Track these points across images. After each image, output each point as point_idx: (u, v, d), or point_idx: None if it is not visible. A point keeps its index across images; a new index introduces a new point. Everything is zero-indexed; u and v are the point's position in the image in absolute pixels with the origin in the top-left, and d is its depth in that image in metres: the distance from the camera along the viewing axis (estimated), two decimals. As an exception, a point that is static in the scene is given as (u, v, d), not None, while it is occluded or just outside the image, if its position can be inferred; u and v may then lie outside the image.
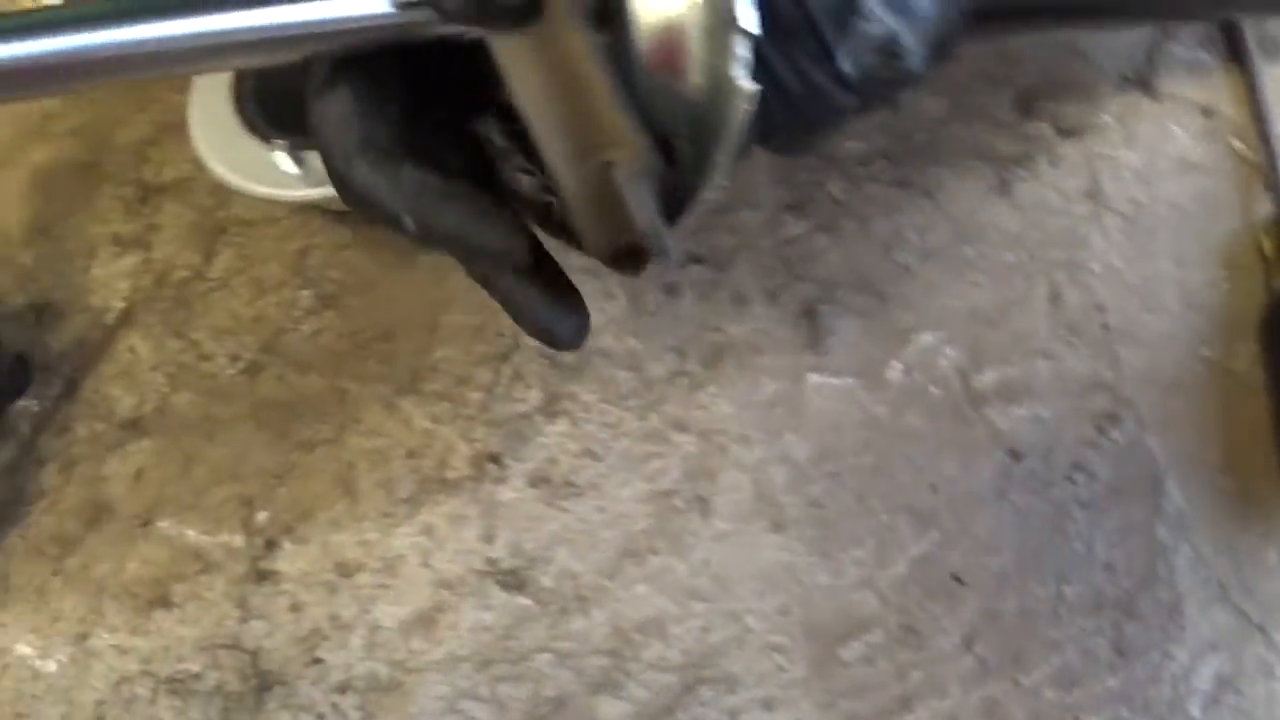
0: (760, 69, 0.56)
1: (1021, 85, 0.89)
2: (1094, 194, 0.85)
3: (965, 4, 0.64)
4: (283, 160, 0.84)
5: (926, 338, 0.82)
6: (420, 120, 0.56)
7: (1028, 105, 0.88)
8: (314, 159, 0.84)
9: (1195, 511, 0.78)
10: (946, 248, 0.84)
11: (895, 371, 0.82)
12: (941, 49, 0.63)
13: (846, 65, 0.58)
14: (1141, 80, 0.88)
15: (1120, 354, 0.81)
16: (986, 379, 0.81)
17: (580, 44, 0.52)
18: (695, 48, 0.50)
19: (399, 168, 0.54)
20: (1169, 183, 0.85)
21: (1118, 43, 0.89)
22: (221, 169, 0.85)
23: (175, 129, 0.92)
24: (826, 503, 0.79)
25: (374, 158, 0.54)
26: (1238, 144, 0.85)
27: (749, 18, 0.49)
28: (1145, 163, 0.86)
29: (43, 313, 0.91)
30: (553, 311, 0.58)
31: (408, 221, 0.54)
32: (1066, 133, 0.87)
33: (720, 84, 0.50)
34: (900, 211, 0.85)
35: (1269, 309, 0.81)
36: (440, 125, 0.57)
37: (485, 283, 0.58)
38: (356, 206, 0.56)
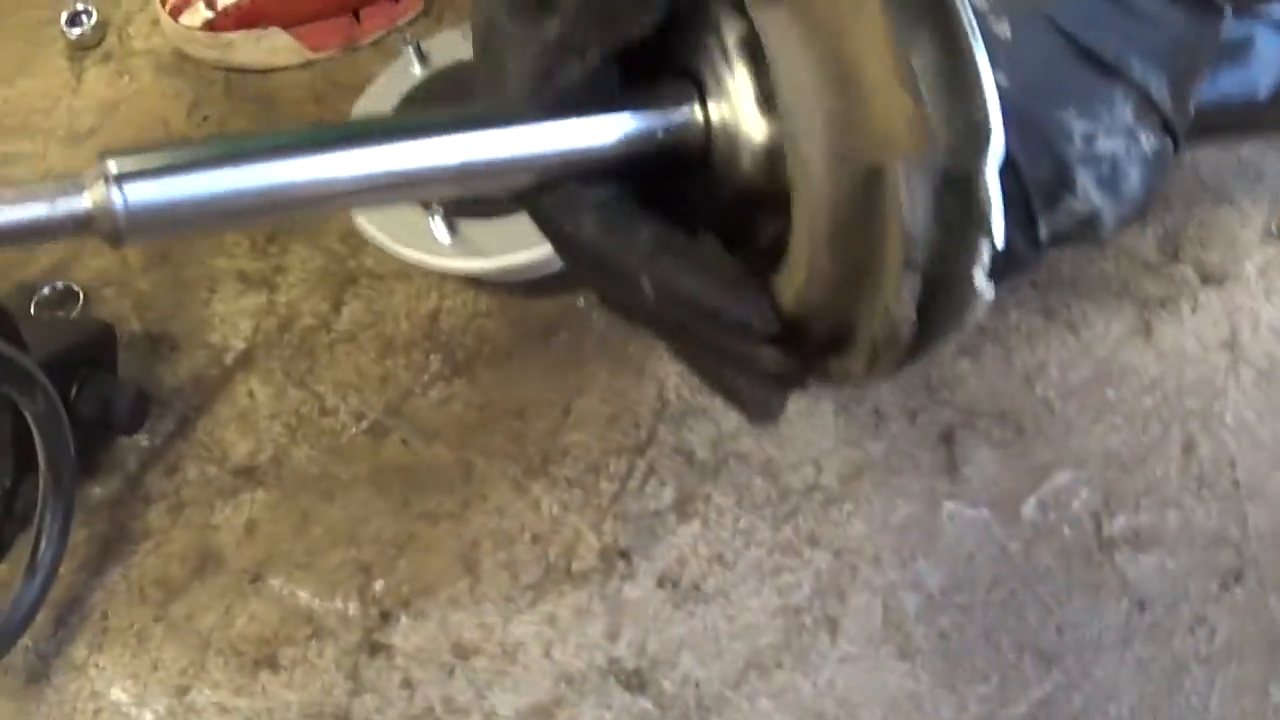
0: None
1: (1169, 226, 0.89)
2: (1232, 345, 0.85)
3: (1165, 182, 0.63)
4: (438, 227, 0.82)
5: (1063, 477, 0.83)
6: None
7: (1174, 248, 0.88)
8: (469, 229, 0.83)
9: (1312, 679, 0.79)
10: (1088, 385, 0.84)
11: (1030, 508, 0.82)
12: (1134, 220, 0.63)
13: (1044, 233, 0.57)
14: (1286, 234, 0.89)
15: (1248, 511, 0.82)
16: (1118, 524, 0.82)
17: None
18: None
19: (635, 224, 0.52)
20: (1308, 341, 0.86)
21: (1265, 192, 0.90)
22: (370, 227, 0.84)
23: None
24: (954, 635, 0.79)
25: (605, 214, 0.52)
26: (1378, 310, 0.87)
27: (999, 228, 0.47)
28: (1284, 319, 0.86)
29: (159, 344, 0.90)
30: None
31: (645, 283, 0.51)
32: (1209, 279, 0.87)
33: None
34: (1043, 344, 0.85)
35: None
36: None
37: (695, 359, 0.56)
38: (579, 266, 0.54)
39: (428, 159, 0.50)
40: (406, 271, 0.89)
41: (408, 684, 0.80)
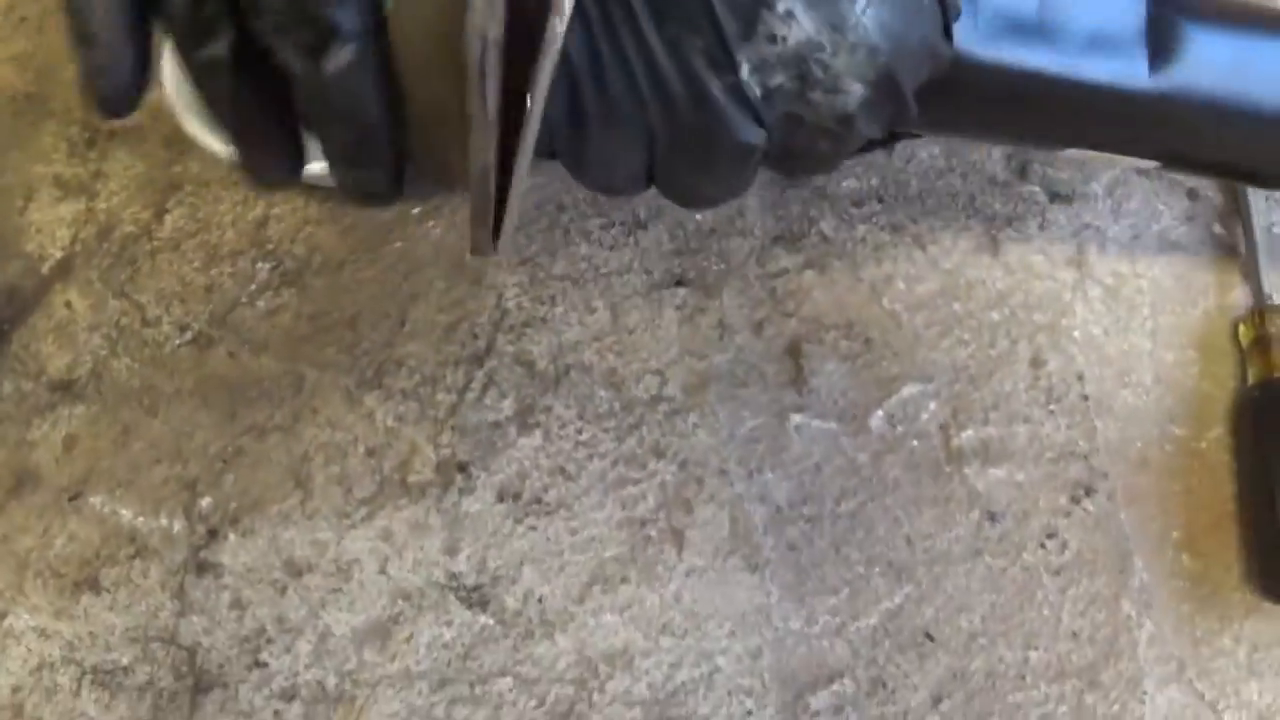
0: (639, 57, 0.51)
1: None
2: (1079, 263, 0.85)
3: (932, 50, 0.58)
4: (269, 128, 0.79)
5: (911, 389, 0.81)
6: None
7: (1022, 166, 0.87)
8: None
9: (1159, 589, 0.78)
10: (935, 299, 0.83)
11: (878, 420, 0.81)
12: (890, 95, 0.57)
13: (747, 75, 0.51)
14: (1132, 153, 0.89)
15: (1097, 425, 0.81)
16: (967, 437, 0.81)
17: None
18: None
19: None
20: (1151, 259, 0.85)
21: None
22: (194, 124, 0.80)
23: (133, 73, 0.86)
24: (803, 547, 0.78)
25: None
26: (1219, 230, 0.86)
27: None
28: (1130, 237, 0.86)
29: (-31, 255, 0.85)
30: None
31: None
32: (1058, 197, 0.86)
33: None
34: (890, 258, 0.84)
35: (1240, 397, 0.82)
36: None
37: None
38: None
39: None
40: (234, 178, 0.85)
41: (238, 604, 0.76)
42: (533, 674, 0.75)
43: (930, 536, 0.79)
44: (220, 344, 0.81)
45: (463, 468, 0.79)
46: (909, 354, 0.82)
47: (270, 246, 0.84)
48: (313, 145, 0.76)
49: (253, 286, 0.83)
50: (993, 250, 0.85)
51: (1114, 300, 0.84)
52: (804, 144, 0.56)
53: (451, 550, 0.77)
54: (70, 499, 0.78)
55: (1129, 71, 0.66)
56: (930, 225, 0.85)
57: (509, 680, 0.75)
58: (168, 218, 0.85)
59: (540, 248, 0.83)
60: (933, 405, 0.81)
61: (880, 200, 0.86)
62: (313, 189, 0.84)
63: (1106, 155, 0.72)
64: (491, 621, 0.76)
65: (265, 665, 0.75)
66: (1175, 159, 0.74)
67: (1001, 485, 0.80)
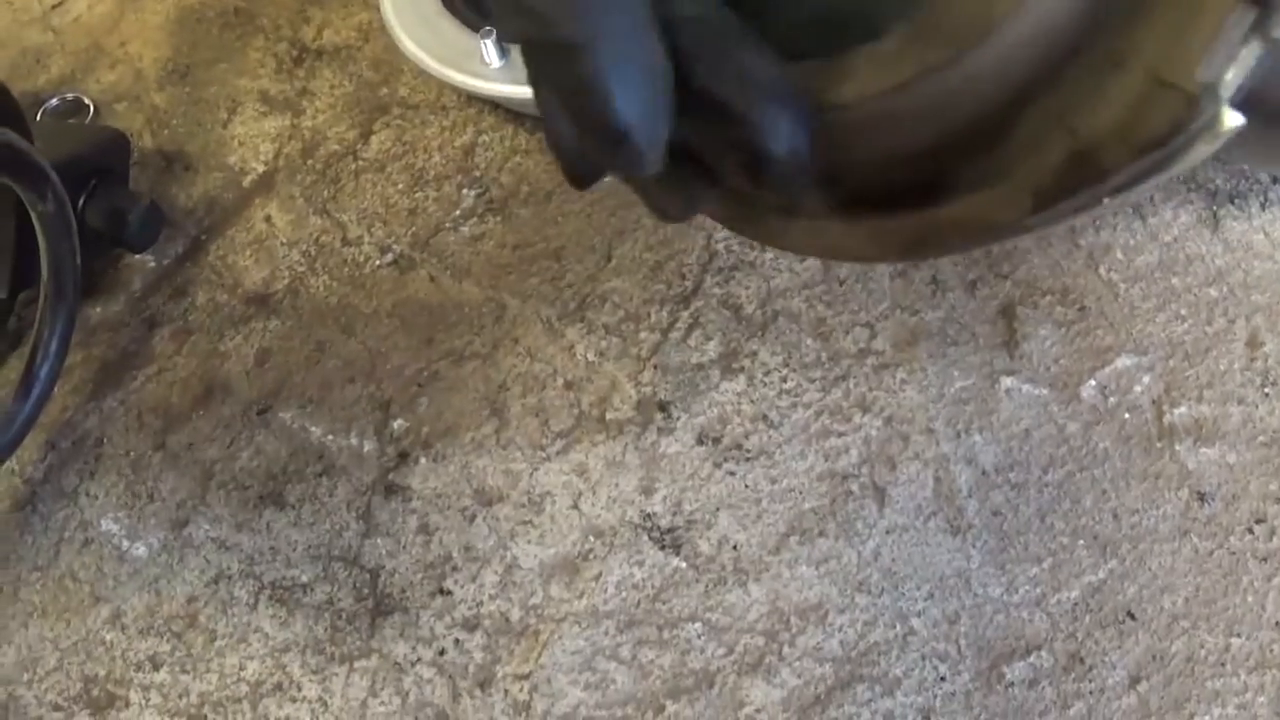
0: None
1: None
2: (1302, 243, 0.82)
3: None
4: (489, 50, 0.77)
5: (1125, 361, 0.79)
6: None
7: (1248, 140, 0.84)
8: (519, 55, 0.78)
9: (1373, 587, 0.75)
10: (1153, 272, 0.81)
11: (1090, 390, 0.78)
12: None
13: None
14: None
15: (1313, 412, 0.78)
16: (1179, 413, 0.78)
17: None
18: None
19: None
20: (1379, 245, 0.83)
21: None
22: (414, 47, 0.79)
23: (343, -10, 0.85)
24: (1007, 513, 0.75)
25: None
26: None
27: None
28: (1358, 220, 0.83)
29: (173, 163, 0.84)
30: None
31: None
32: (1281, 177, 0.84)
33: None
34: (1109, 227, 0.82)
35: None
36: None
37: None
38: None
39: None
40: (442, 103, 0.84)
41: (424, 529, 0.75)
42: (723, 621, 0.73)
43: (1137, 512, 0.76)
44: (422, 267, 0.80)
45: (663, 407, 0.77)
46: (1124, 325, 0.79)
47: (477, 174, 0.82)
48: (503, 69, 0.74)
49: (457, 212, 0.81)
50: (1213, 226, 0.82)
51: (1337, 285, 0.81)
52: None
53: (647, 490, 0.75)
54: (259, 412, 0.77)
55: None
56: (1151, 196, 0.82)
57: (698, 626, 0.73)
58: (374, 139, 0.84)
59: (754, 189, 0.81)
60: (1146, 379, 0.78)
61: (1100, 167, 0.83)
62: (521, 118, 0.82)
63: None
64: (684, 565, 0.74)
65: (449, 593, 0.73)
66: None
67: (1213, 465, 0.77)
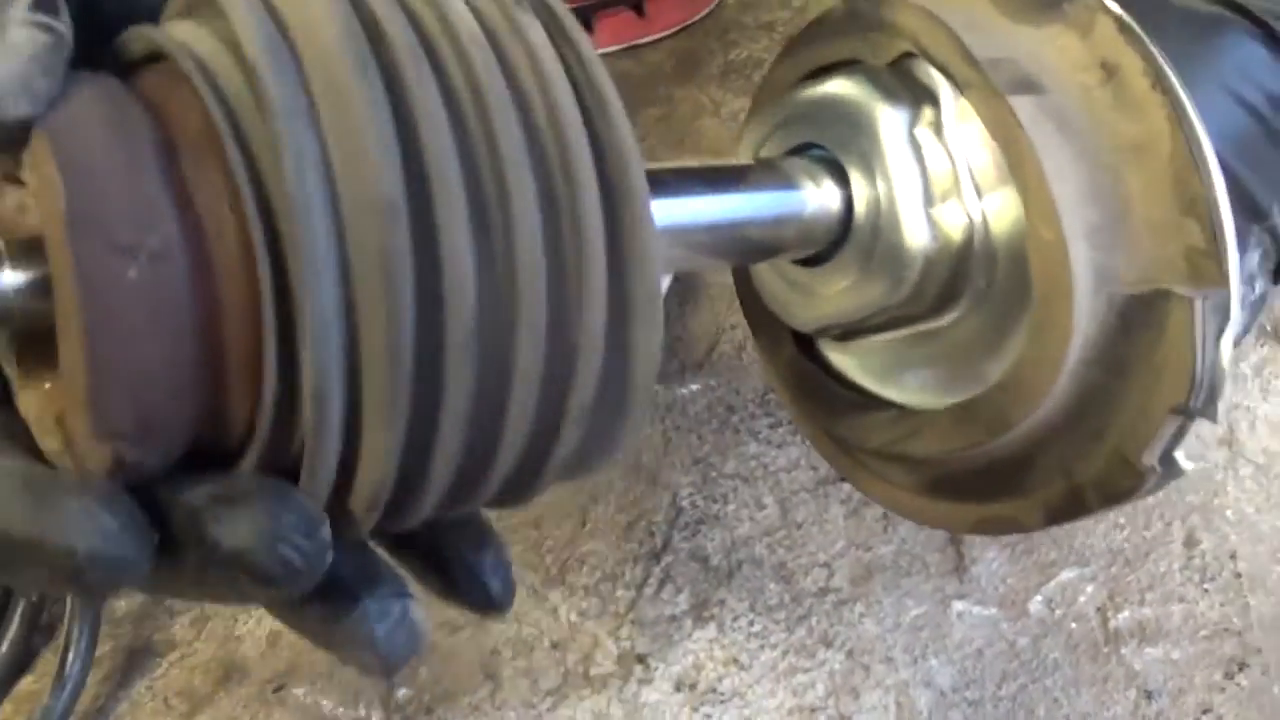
0: None
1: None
2: (1230, 442, 0.88)
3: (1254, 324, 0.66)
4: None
5: (1069, 574, 0.85)
6: None
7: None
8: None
9: (1320, 768, 0.80)
10: (1089, 484, 0.86)
11: (1037, 604, 0.84)
12: None
13: None
14: (1278, 333, 0.91)
15: (1250, 602, 0.84)
16: (1123, 617, 0.83)
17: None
18: None
19: None
20: (1301, 436, 0.88)
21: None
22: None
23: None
24: (967, 731, 0.81)
25: None
26: (1368, 406, 0.89)
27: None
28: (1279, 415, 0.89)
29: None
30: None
31: None
32: (1206, 379, 0.89)
33: None
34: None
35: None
36: None
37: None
38: None
39: None
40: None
41: (432, 792, 0.81)
42: None
43: (1089, 716, 0.81)
44: (412, 542, 0.87)
45: (641, 659, 0.83)
46: (1066, 539, 0.85)
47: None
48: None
49: (441, 487, 0.88)
50: (1144, 434, 0.88)
51: (1265, 478, 0.87)
52: None
53: (632, 739, 0.81)
54: (274, 690, 0.84)
55: None
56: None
57: None
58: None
59: (712, 448, 0.88)
60: (1090, 588, 0.84)
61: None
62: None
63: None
64: (671, 808, 0.80)
65: None
66: None
67: (1158, 664, 0.82)
